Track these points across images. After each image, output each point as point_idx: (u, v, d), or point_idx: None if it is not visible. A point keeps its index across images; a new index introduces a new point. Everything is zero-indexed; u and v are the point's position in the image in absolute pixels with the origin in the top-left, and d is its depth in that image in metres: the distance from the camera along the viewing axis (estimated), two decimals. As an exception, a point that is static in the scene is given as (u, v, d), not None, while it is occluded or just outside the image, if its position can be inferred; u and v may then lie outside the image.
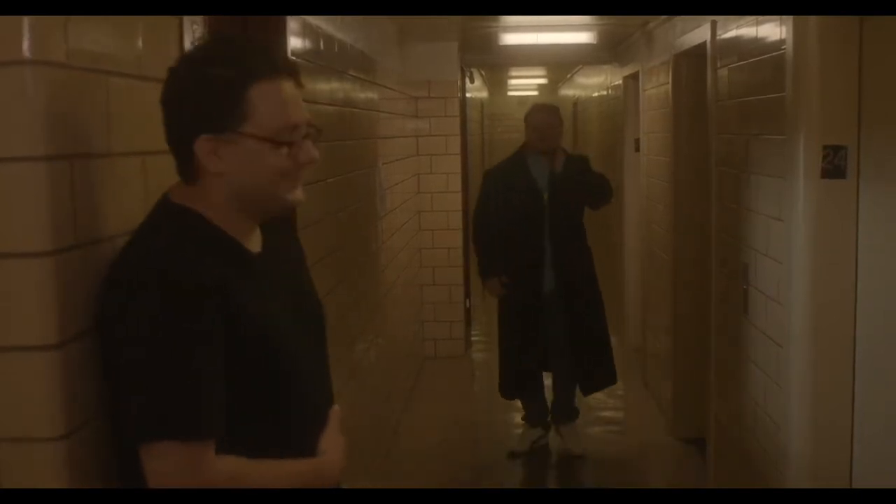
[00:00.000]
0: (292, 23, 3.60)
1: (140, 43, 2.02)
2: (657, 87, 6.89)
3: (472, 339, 9.09)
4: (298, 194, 1.85)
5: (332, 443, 1.94)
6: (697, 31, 5.30)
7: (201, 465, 1.66)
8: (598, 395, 6.29)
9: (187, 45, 2.29)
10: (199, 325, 1.67)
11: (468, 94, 9.91)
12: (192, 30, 2.36)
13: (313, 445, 1.91)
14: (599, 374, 5.84)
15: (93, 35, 1.81)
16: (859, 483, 3.57)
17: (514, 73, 14.93)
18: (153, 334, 1.64)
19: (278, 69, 1.78)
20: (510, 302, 5.85)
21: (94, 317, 1.74)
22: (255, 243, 1.88)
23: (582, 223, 5.82)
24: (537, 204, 5.66)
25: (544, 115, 5.72)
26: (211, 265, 1.72)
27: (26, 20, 1.60)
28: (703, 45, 5.10)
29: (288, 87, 1.79)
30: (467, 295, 8.67)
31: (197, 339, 1.66)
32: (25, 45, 1.60)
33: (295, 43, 3.65)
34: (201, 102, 1.74)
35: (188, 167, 1.78)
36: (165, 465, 1.64)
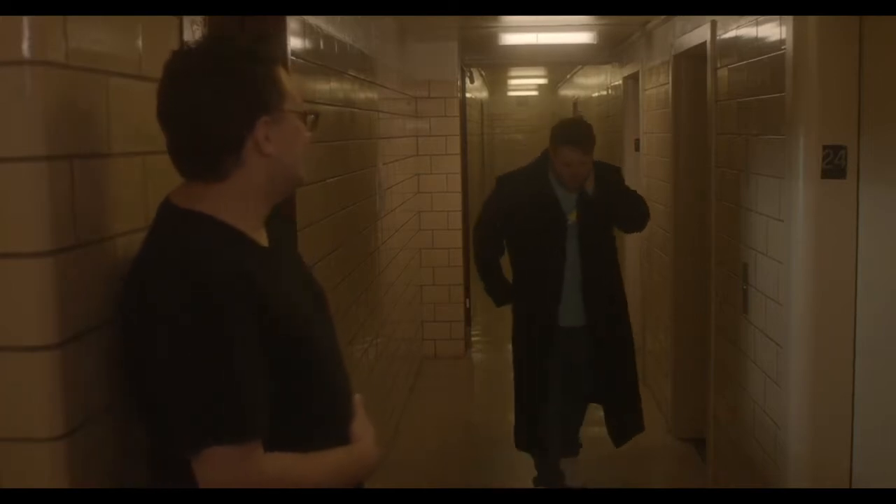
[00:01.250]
0: (292, 23, 3.60)
1: (140, 43, 2.02)
2: (657, 88, 6.89)
3: (472, 339, 9.09)
4: (304, 173, 1.95)
5: (363, 428, 1.98)
6: (697, 32, 5.30)
7: (254, 465, 1.68)
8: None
9: (187, 45, 2.29)
10: (235, 322, 1.67)
11: (468, 94, 9.90)
12: (192, 30, 2.36)
13: (346, 432, 1.93)
14: (630, 422, 5.15)
15: (92, 35, 1.81)
16: (859, 483, 3.57)
17: (514, 73, 14.92)
18: (190, 339, 1.64)
19: (278, 56, 1.89)
20: (522, 336, 5.06)
21: (121, 329, 1.75)
22: (263, 238, 1.90)
23: (614, 249, 5.04)
24: (559, 226, 4.82)
25: (576, 150, 4.72)
26: (235, 262, 1.72)
27: (26, 20, 1.60)
28: (703, 45, 5.10)
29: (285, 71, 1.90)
30: (467, 295, 8.67)
31: (235, 337, 1.67)
32: (25, 45, 1.60)
33: (295, 43, 3.65)
34: (256, 86, 1.79)
35: (230, 161, 1.79)
36: (220, 470, 1.66)
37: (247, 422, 1.67)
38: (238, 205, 1.81)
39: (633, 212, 5.03)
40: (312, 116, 1.92)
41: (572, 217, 4.82)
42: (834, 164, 3.54)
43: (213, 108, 1.76)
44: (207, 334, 1.65)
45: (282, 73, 1.84)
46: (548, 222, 4.83)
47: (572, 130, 4.84)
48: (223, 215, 1.80)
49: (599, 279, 4.89)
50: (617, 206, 4.94)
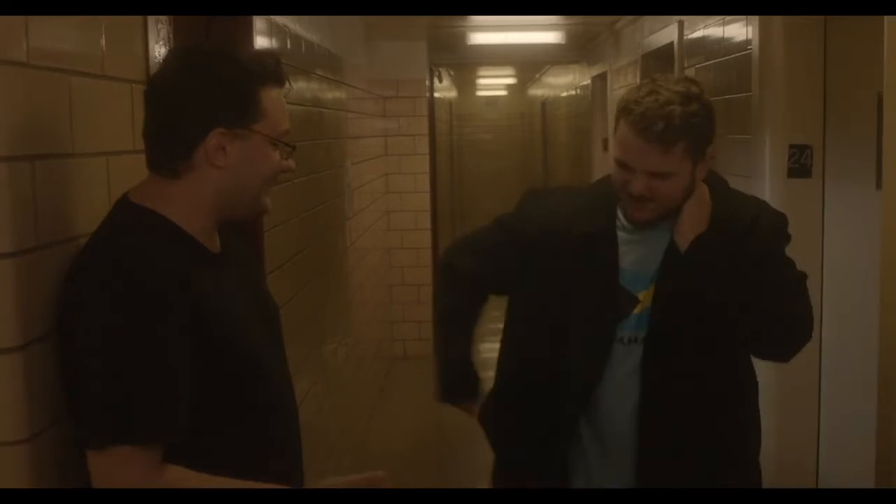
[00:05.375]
0: (259, 22, 3.58)
1: (103, 42, 2.00)
2: (625, 87, 6.91)
3: (442, 339, 9.07)
4: (268, 201, 1.89)
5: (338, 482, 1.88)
6: (665, 31, 5.32)
7: (150, 471, 1.64)
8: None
9: (152, 44, 2.27)
10: (166, 325, 1.65)
11: (436, 94, 9.90)
12: (157, 29, 2.34)
13: (278, 448, 1.89)
14: None
15: (54, 34, 1.79)
16: (825, 483, 3.59)
17: (482, 72, 14.93)
18: (118, 335, 1.62)
19: (282, 78, 1.84)
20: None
21: (56, 318, 1.72)
22: (214, 245, 1.87)
23: (733, 375, 2.39)
24: (610, 311, 2.32)
25: (640, 137, 2.17)
26: (176, 264, 1.70)
27: (-14, 19, 1.58)
28: (671, 45, 5.13)
29: (282, 95, 1.85)
30: (436, 295, 8.64)
31: (164, 339, 1.64)
32: (-15, 43, 1.58)
33: (262, 43, 3.63)
34: (223, 96, 1.76)
35: (181, 161, 1.76)
36: (119, 470, 1.62)
37: (158, 426, 1.64)
38: (188, 207, 1.78)
39: (781, 316, 2.37)
40: (289, 148, 1.87)
41: (643, 298, 2.32)
42: (800, 164, 3.57)
43: (178, 102, 1.75)
44: (135, 332, 1.62)
45: (271, 96, 1.80)
46: (591, 298, 2.35)
47: (645, 98, 2.19)
48: (173, 216, 1.77)
49: (678, 440, 2.37)
50: (749, 297, 2.31)
